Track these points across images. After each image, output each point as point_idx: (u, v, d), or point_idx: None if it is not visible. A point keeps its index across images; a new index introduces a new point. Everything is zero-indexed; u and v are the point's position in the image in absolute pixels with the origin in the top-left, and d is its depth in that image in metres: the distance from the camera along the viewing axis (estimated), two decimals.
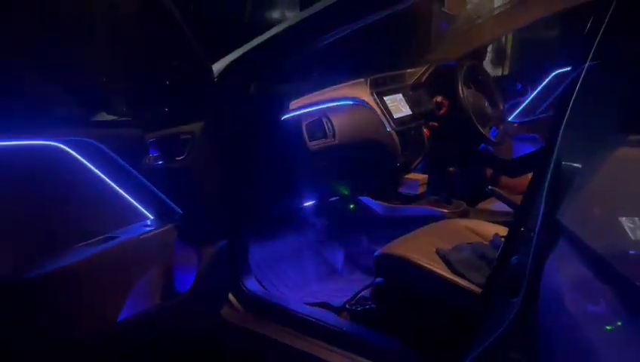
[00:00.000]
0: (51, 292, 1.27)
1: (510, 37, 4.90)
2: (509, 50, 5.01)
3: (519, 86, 3.35)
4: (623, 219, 0.91)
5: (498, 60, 5.09)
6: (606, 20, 1.16)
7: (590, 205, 1.08)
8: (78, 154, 1.36)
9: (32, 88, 1.26)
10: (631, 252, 0.85)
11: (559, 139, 1.21)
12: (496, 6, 2.59)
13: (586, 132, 1.18)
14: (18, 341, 1.20)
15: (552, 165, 1.22)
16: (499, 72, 4.93)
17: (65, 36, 1.33)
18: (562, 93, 1.27)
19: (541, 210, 1.23)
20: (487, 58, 5.30)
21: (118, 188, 1.47)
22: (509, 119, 3.18)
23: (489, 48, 5.30)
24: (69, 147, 1.34)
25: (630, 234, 0.87)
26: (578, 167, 1.17)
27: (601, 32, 1.17)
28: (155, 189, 1.55)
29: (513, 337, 1.34)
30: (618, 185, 1.04)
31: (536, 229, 1.24)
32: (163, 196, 1.57)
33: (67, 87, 1.37)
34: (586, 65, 1.19)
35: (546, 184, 1.22)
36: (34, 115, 1.29)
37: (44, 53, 1.28)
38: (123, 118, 1.62)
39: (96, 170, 1.41)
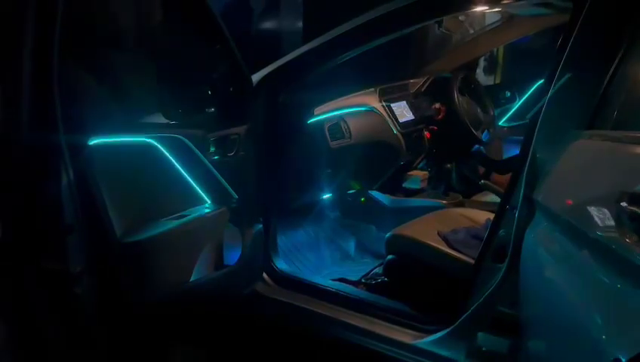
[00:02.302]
0: (145, 253, 1.61)
1: (502, 48, 5.18)
2: (500, 60, 5.29)
3: (508, 93, 3.66)
4: (581, 194, 1.24)
5: (490, 69, 5.37)
6: (572, 38, 1.45)
7: (558, 186, 1.39)
8: (164, 149, 1.73)
9: (133, 101, 1.62)
10: (588, 213, 1.09)
11: (535, 135, 1.52)
12: (486, 24, 2.93)
13: (556, 129, 1.48)
14: (119, 287, 1.54)
15: (529, 156, 1.53)
16: (491, 81, 5.21)
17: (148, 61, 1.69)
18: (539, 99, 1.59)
19: (521, 191, 1.56)
20: (480, 67, 5.58)
21: (187, 175, 1.82)
22: (500, 123, 3.47)
23: (482, 58, 5.58)
24: (157, 142, 1.70)
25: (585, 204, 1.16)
26: (549, 157, 1.46)
27: (568, 48, 1.46)
28: (220, 177, 1.90)
29: (500, 294, 1.65)
30: (577, 169, 1.34)
31: (518, 206, 1.58)
32: (225, 183, 1.92)
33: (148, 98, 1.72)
34: (556, 75, 1.49)
35: (525, 171, 1.54)
36: (133, 119, 1.65)
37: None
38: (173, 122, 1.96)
39: (174, 161, 1.77)
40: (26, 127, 1.18)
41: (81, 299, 1.31)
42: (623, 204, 0.91)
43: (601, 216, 0.98)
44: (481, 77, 5.58)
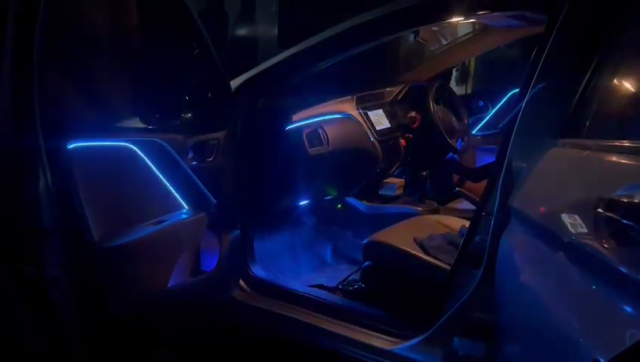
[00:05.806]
0: (123, 258, 1.59)
1: (473, 58, 5.28)
2: (472, 70, 5.39)
3: (481, 103, 3.74)
4: (557, 200, 1.28)
5: (462, 79, 5.46)
6: (546, 49, 1.51)
7: (534, 192, 1.43)
8: (142, 153, 1.71)
9: (112, 104, 1.61)
10: (565, 218, 1.13)
11: (510, 143, 1.57)
12: (460, 35, 2.99)
13: (531, 137, 1.52)
14: (96, 293, 1.52)
15: (505, 164, 1.57)
16: (463, 91, 5.31)
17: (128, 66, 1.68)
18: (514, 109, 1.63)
19: (497, 198, 1.60)
20: (452, 77, 5.69)
21: (165, 180, 1.80)
22: (473, 132, 3.55)
23: (454, 68, 5.69)
24: (136, 147, 1.69)
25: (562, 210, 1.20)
26: (524, 165, 1.51)
27: (542, 58, 1.51)
28: (199, 182, 1.89)
29: (476, 300, 1.69)
30: (553, 177, 1.38)
31: (494, 213, 1.62)
32: (204, 189, 1.91)
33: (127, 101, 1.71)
34: (531, 85, 1.53)
35: (501, 179, 1.58)
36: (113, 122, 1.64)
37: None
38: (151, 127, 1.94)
39: (152, 166, 1.75)
40: (4, 131, 1.16)
41: (59, 304, 1.29)
42: (600, 210, 0.94)
43: (577, 222, 1.02)
44: (453, 87, 5.69)
